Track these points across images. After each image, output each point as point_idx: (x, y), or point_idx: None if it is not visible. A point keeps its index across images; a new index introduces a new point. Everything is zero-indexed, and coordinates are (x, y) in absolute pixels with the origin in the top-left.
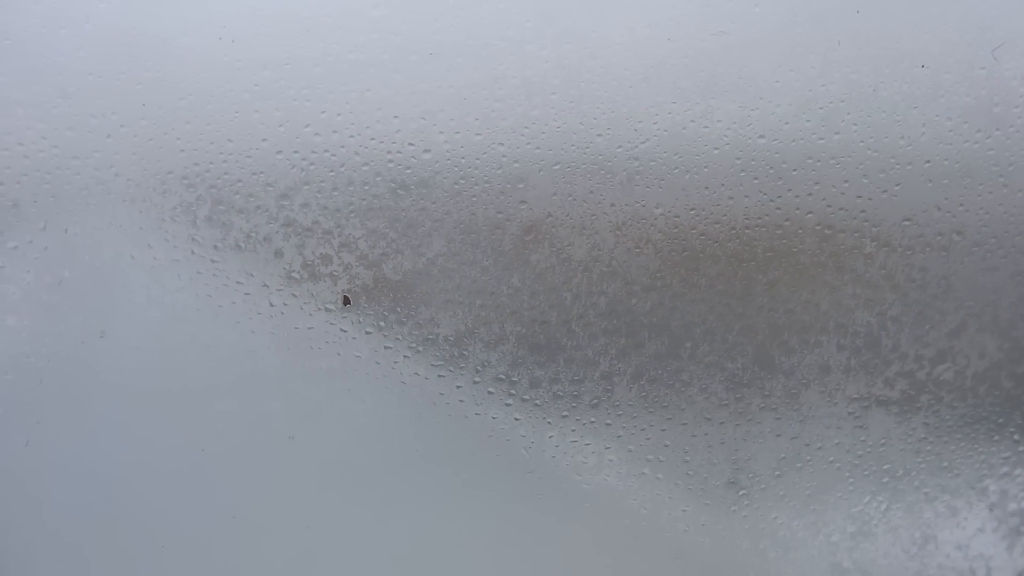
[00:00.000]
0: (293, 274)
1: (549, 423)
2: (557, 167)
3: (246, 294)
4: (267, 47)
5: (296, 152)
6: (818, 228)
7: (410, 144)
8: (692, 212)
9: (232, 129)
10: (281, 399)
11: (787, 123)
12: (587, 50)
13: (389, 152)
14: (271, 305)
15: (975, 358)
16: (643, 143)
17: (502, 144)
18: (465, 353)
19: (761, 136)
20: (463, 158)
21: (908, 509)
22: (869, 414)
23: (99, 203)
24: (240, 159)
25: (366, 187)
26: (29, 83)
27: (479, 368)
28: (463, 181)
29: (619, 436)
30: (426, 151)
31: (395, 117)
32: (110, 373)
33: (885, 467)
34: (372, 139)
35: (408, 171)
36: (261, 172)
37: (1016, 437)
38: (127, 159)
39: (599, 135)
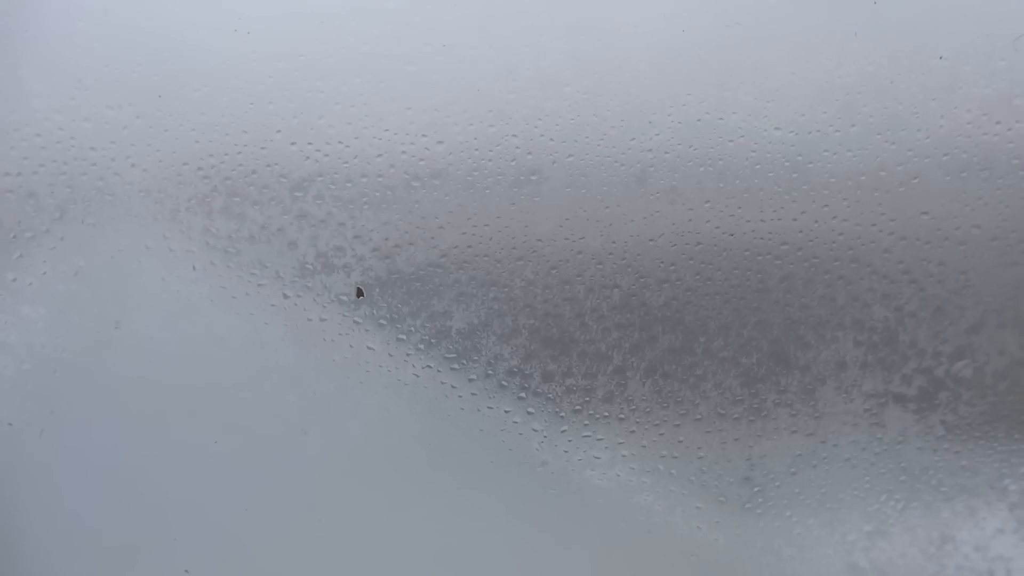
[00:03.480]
0: (307, 265)
1: (562, 417)
2: (571, 159)
3: (259, 285)
4: (282, 40)
5: (310, 143)
6: (834, 221)
7: (423, 135)
8: (707, 205)
9: (246, 120)
10: (295, 392)
11: (803, 115)
12: (601, 42)
13: (402, 144)
14: (285, 297)
15: (995, 355)
16: (657, 135)
17: (515, 136)
18: (478, 346)
19: (777, 128)
20: (476, 150)
21: (926, 508)
22: (886, 411)
23: (115, 194)
24: (254, 150)
25: (380, 178)
26: (47, 75)
27: (491, 361)
28: (476, 173)
29: (632, 432)
30: (439, 142)
31: (408, 109)
32: (124, 364)
33: (903, 465)
34: (386, 130)
35: (422, 163)
36: (275, 163)
37: None
38: (143, 150)
39: (613, 127)
